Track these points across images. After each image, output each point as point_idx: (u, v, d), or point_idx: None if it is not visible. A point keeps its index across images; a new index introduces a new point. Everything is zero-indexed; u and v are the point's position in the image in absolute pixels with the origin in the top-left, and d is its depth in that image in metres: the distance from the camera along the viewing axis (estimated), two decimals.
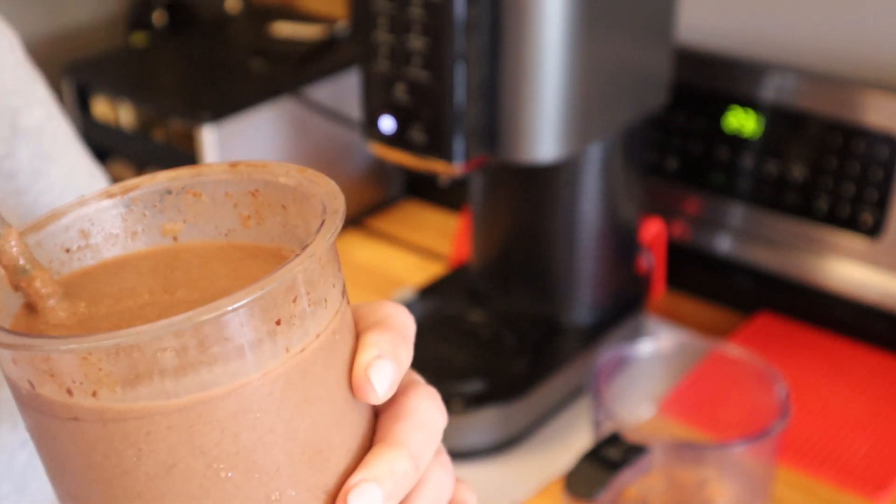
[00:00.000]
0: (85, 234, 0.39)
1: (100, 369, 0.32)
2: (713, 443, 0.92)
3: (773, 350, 1.04)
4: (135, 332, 0.31)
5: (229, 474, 0.34)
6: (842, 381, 1.02)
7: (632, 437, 0.81)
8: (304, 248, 0.34)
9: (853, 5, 1.06)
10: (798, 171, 1.07)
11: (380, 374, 0.36)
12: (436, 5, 0.84)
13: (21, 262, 0.35)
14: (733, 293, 1.13)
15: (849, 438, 0.95)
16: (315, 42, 1.33)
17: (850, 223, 1.04)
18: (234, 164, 0.39)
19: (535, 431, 0.98)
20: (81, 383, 0.32)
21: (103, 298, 0.37)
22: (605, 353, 0.90)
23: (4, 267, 0.35)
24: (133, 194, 0.39)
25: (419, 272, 1.22)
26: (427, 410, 0.39)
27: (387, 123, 0.90)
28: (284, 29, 1.37)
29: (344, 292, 0.37)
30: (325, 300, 0.35)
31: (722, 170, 1.11)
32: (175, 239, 0.40)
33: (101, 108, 1.28)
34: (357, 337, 0.38)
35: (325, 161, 1.28)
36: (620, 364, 0.92)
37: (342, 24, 1.35)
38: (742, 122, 1.09)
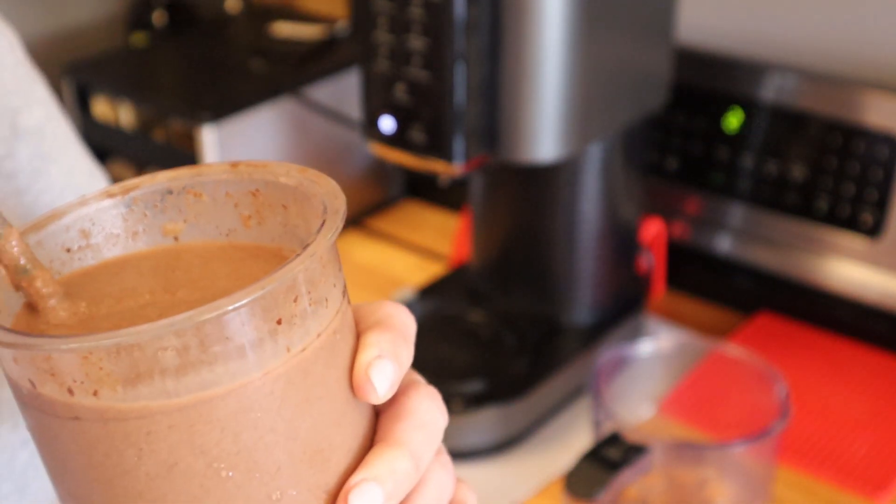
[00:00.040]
0: (86, 234, 0.39)
1: (101, 368, 0.32)
2: (713, 443, 0.92)
3: (773, 350, 1.04)
4: (136, 331, 0.31)
5: (230, 474, 0.34)
6: (842, 381, 1.02)
7: (632, 437, 0.81)
8: (305, 247, 0.34)
9: (853, 5, 1.06)
10: (798, 171, 1.07)
11: (380, 374, 0.36)
12: (436, 5, 0.84)
13: (22, 261, 0.35)
14: (733, 293, 1.13)
15: (849, 438, 0.95)
16: (315, 42, 1.33)
17: (850, 223, 1.04)
18: (234, 164, 0.39)
19: (535, 431, 0.98)
20: (82, 383, 0.32)
21: (104, 298, 0.37)
22: (605, 353, 0.90)
23: (5, 267, 0.35)
24: (134, 194, 0.39)
25: (419, 272, 1.22)
26: (428, 410, 0.39)
27: (387, 123, 0.90)
28: (284, 29, 1.37)
29: (345, 292, 0.37)
30: (326, 300, 0.35)
31: (722, 170, 1.11)
32: (176, 239, 0.40)
33: (101, 108, 1.28)
34: (358, 337, 0.38)
35: (325, 161, 1.28)
36: (620, 364, 0.92)
37: (342, 24, 1.35)
38: (742, 122, 1.09)
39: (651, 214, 1.08)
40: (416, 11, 0.85)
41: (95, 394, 0.32)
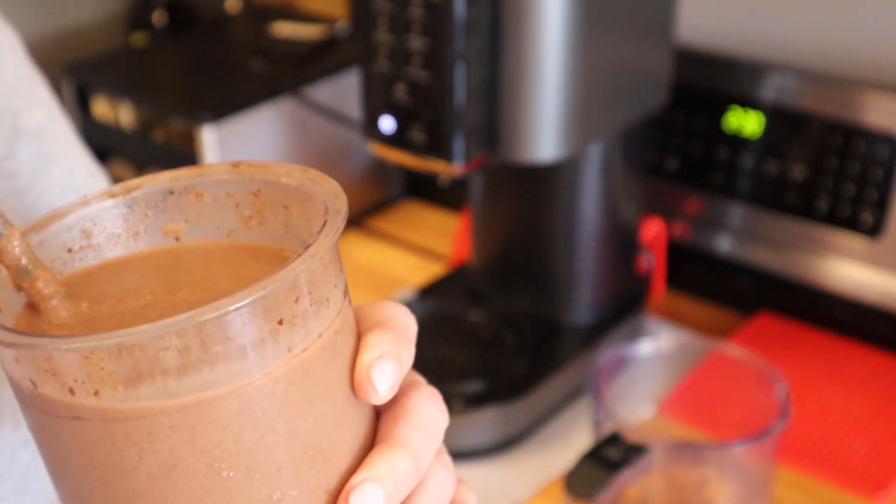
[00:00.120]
0: (87, 234, 0.39)
1: (102, 368, 0.32)
2: (713, 443, 0.92)
3: (773, 350, 1.04)
4: (137, 331, 0.31)
5: (231, 474, 0.34)
6: (842, 381, 1.02)
7: (632, 437, 0.81)
8: (307, 247, 0.34)
9: (853, 5, 1.06)
10: (798, 171, 1.07)
11: (381, 375, 0.36)
12: (436, 5, 0.84)
13: (23, 261, 0.35)
14: (733, 293, 1.13)
15: (849, 438, 0.95)
16: (315, 42, 1.33)
17: (850, 223, 1.04)
18: (235, 165, 0.39)
19: (535, 431, 0.98)
20: (83, 382, 0.32)
21: (105, 298, 0.37)
22: (605, 353, 0.90)
23: (7, 267, 0.35)
24: (135, 194, 0.39)
25: (419, 272, 1.22)
26: (428, 411, 0.39)
27: (387, 123, 0.90)
28: (284, 29, 1.37)
29: (346, 292, 0.37)
30: (328, 300, 0.35)
31: (722, 170, 1.12)
32: (177, 239, 0.40)
33: (101, 108, 1.28)
34: (359, 337, 0.38)
35: (325, 161, 1.28)
36: (620, 364, 0.92)
37: (342, 24, 1.35)
38: (742, 122, 1.09)
39: (651, 214, 1.08)
40: (416, 11, 0.85)
41: (97, 394, 0.32)
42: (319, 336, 0.35)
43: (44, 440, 0.35)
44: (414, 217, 1.35)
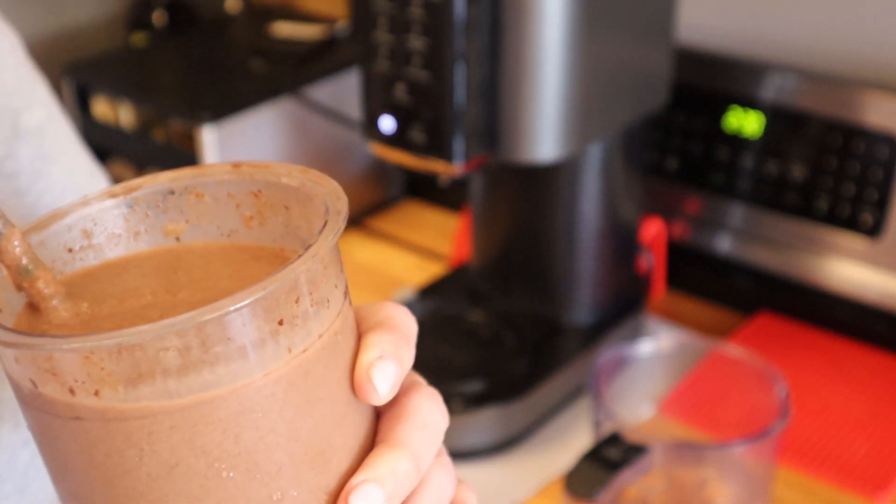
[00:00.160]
0: (87, 234, 0.39)
1: (102, 368, 0.32)
2: (713, 443, 0.92)
3: (773, 350, 1.04)
4: (137, 331, 0.31)
5: (231, 474, 0.34)
6: (842, 381, 1.02)
7: (632, 437, 0.81)
8: (307, 248, 0.34)
9: (853, 5, 1.06)
10: (798, 171, 1.07)
11: (382, 375, 0.36)
12: (436, 5, 0.84)
13: (24, 261, 0.35)
14: (733, 293, 1.13)
15: (849, 438, 0.95)
16: (315, 42, 1.33)
17: (850, 223, 1.04)
18: (236, 165, 0.39)
19: (535, 431, 0.98)
20: (84, 382, 0.32)
21: (106, 299, 0.37)
22: (605, 353, 0.90)
23: (7, 267, 0.35)
24: (136, 194, 0.39)
25: (419, 272, 1.22)
26: (429, 412, 0.39)
27: (387, 123, 0.90)
28: (284, 29, 1.37)
29: (346, 293, 0.37)
30: (328, 301, 0.35)
31: (722, 170, 1.12)
32: (178, 239, 0.40)
33: (101, 108, 1.28)
34: (359, 338, 0.38)
35: (325, 161, 1.28)
36: (620, 364, 0.92)
37: (342, 24, 1.35)
38: (742, 122, 1.09)
39: (651, 214, 1.08)
40: (416, 11, 0.85)
41: (97, 394, 0.32)
42: (320, 336, 0.35)
43: (44, 440, 0.35)
44: (414, 217, 1.35)
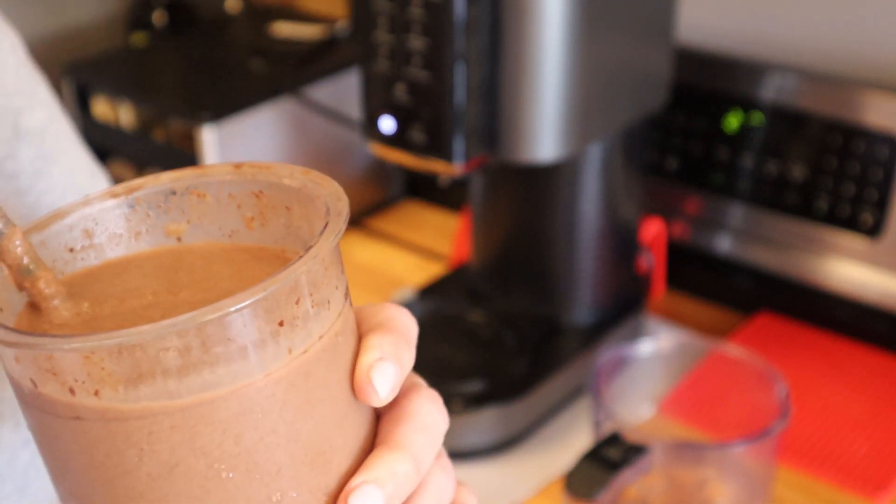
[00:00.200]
0: (89, 234, 0.39)
1: (102, 368, 0.32)
2: (713, 443, 0.92)
3: (773, 350, 1.04)
4: (138, 331, 0.31)
5: (231, 475, 0.34)
6: (842, 381, 1.02)
7: (632, 437, 0.81)
8: (308, 249, 0.34)
9: (853, 5, 1.06)
10: (798, 171, 1.07)
11: (382, 377, 0.36)
12: (436, 5, 0.84)
13: (25, 261, 0.35)
14: (733, 293, 1.13)
15: (849, 438, 0.95)
16: (315, 42, 1.33)
17: (850, 223, 1.04)
18: (238, 166, 0.39)
19: (535, 431, 0.98)
20: (84, 382, 0.32)
21: (107, 298, 0.37)
22: (605, 353, 0.90)
23: (9, 266, 0.35)
24: (137, 194, 0.39)
25: (419, 272, 1.22)
26: (429, 413, 0.39)
27: (387, 123, 0.90)
28: (284, 29, 1.37)
29: (347, 294, 0.37)
30: (328, 302, 0.35)
31: (722, 170, 1.12)
32: (179, 240, 0.40)
33: (101, 108, 1.28)
34: (359, 339, 0.38)
35: (325, 161, 1.28)
36: (620, 364, 0.92)
37: (342, 24, 1.35)
38: (742, 122, 1.09)
39: (651, 214, 1.08)
40: (416, 11, 0.85)
41: (97, 394, 0.32)
42: (320, 338, 0.35)
43: (44, 440, 0.35)
44: (414, 217, 1.35)
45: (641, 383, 0.95)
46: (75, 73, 1.28)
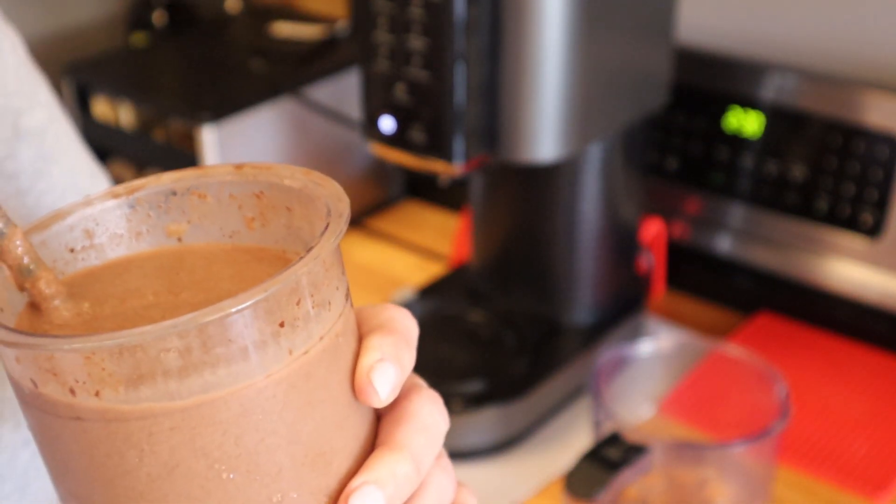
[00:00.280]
0: (89, 234, 0.39)
1: (103, 369, 0.32)
2: (713, 443, 0.92)
3: (773, 350, 1.04)
4: (138, 332, 0.31)
5: (231, 476, 0.34)
6: (842, 381, 1.02)
7: (632, 437, 0.81)
8: (309, 250, 0.34)
9: (853, 5, 1.06)
10: (798, 171, 1.07)
11: (382, 378, 0.36)
12: (436, 5, 0.84)
13: (25, 261, 0.35)
14: (733, 293, 1.13)
15: (849, 438, 0.95)
16: (315, 42, 1.33)
17: (850, 223, 1.04)
18: (239, 166, 0.39)
19: (535, 431, 0.98)
20: (84, 383, 0.32)
21: (108, 299, 0.37)
22: (605, 353, 0.90)
23: (9, 266, 0.35)
24: (138, 195, 0.39)
25: (419, 272, 1.22)
26: (429, 414, 0.39)
27: (387, 123, 0.90)
28: (284, 29, 1.37)
29: (347, 295, 0.37)
30: (329, 303, 0.35)
31: (722, 170, 1.12)
32: (179, 240, 0.40)
33: (101, 108, 1.28)
34: (360, 340, 0.38)
35: (325, 161, 1.28)
36: (620, 364, 0.92)
37: (342, 24, 1.35)
38: (742, 122, 1.09)
39: (651, 214, 1.08)
40: (416, 11, 0.85)
41: (97, 394, 0.32)
42: (321, 338, 0.35)
43: (44, 440, 0.35)
44: (414, 217, 1.35)
45: (641, 383, 0.95)
46: (75, 73, 1.28)
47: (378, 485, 0.36)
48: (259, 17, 1.43)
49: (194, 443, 0.33)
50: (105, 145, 1.28)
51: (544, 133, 0.88)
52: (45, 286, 0.35)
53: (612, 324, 1.04)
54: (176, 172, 0.40)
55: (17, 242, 0.35)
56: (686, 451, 0.86)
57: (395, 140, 0.91)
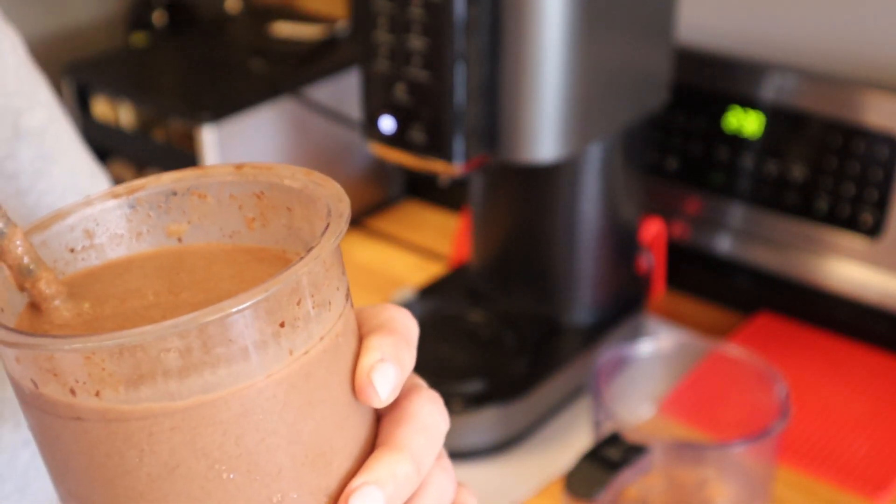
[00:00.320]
0: (90, 235, 0.39)
1: (103, 369, 0.32)
2: (713, 443, 0.92)
3: (773, 350, 1.04)
4: (139, 332, 0.31)
5: (231, 476, 0.34)
6: (842, 381, 1.02)
7: (632, 437, 0.81)
8: (309, 250, 0.34)
9: (853, 5, 1.06)
10: (798, 171, 1.07)
11: (382, 378, 0.36)
12: (436, 5, 0.84)
13: (26, 261, 0.35)
14: (733, 293, 1.13)
15: (849, 438, 0.95)
16: (315, 42, 1.33)
17: (850, 223, 1.04)
18: (239, 166, 0.39)
19: (535, 431, 0.98)
20: (85, 383, 0.32)
21: (108, 299, 0.37)
22: (605, 353, 0.90)
23: (9, 267, 0.35)
24: (138, 195, 0.39)
25: (419, 272, 1.22)
26: (429, 414, 0.39)
27: (387, 123, 0.90)
28: (284, 29, 1.37)
29: (348, 295, 0.37)
30: (329, 303, 0.35)
31: (722, 170, 1.12)
32: (180, 240, 0.40)
33: (101, 108, 1.28)
34: (360, 340, 0.38)
35: (325, 161, 1.28)
36: (620, 364, 0.92)
37: (342, 24, 1.35)
38: (742, 122, 1.09)
39: (651, 214, 1.08)
40: (416, 11, 0.85)
41: (97, 394, 0.32)
42: (321, 339, 0.35)
43: (44, 440, 0.35)
44: (414, 217, 1.35)
45: (641, 383, 0.95)
46: (75, 73, 1.28)
47: (378, 485, 0.36)
48: (259, 17, 1.43)
49: (195, 443, 0.33)
50: (105, 145, 1.28)
51: (544, 133, 0.88)
52: (46, 286, 0.35)
53: (612, 324, 1.04)
54: (176, 172, 0.40)
55: (18, 242, 0.35)
56: (686, 451, 0.86)
57: (395, 140, 0.91)
